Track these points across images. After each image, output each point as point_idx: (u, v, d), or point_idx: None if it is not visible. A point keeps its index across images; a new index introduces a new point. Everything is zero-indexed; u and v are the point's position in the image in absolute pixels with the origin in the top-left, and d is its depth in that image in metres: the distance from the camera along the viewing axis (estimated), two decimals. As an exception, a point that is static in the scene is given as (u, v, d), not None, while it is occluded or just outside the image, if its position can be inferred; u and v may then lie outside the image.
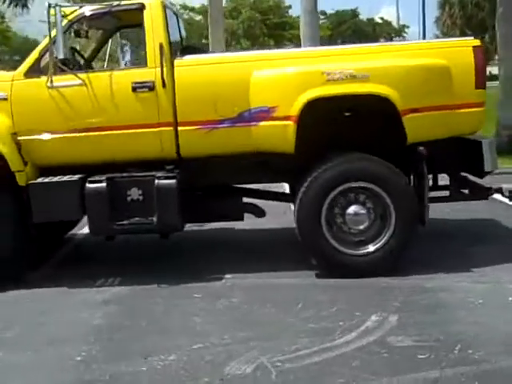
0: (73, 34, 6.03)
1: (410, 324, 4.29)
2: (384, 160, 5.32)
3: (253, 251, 6.22)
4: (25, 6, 21.90)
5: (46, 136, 5.44)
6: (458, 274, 5.28)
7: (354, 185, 5.30)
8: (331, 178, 5.27)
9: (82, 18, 5.59)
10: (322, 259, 5.37)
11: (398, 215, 5.26)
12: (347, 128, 5.45)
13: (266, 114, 5.27)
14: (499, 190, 6.01)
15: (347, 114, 5.38)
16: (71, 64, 5.69)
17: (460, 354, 3.78)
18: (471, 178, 6.06)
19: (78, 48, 6.47)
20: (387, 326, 4.29)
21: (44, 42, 5.53)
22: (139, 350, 4.06)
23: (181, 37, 6.40)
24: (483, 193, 6.00)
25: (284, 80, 5.26)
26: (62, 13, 5.42)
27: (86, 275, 5.71)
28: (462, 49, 5.40)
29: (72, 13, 5.55)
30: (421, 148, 5.26)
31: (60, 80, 5.41)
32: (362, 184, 5.30)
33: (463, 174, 6.03)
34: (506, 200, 6.58)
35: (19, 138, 5.44)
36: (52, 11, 5.19)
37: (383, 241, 5.33)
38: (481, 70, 5.36)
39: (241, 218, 6.00)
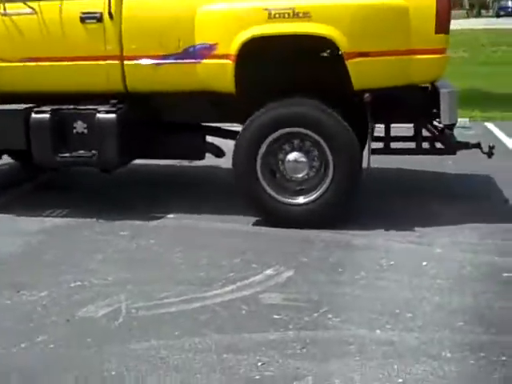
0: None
1: (297, 282, 4.13)
2: (331, 106, 5.03)
3: (206, 192, 6.14)
4: None
5: (-1, 64, 5.51)
6: (397, 232, 4.99)
7: (290, 130, 5.08)
8: (266, 123, 5.07)
9: None
10: (256, 206, 5.23)
11: (336, 164, 5.01)
12: (291, 70, 5.17)
13: (207, 51, 5.09)
14: (477, 145, 5.56)
15: (287, 54, 5.06)
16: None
17: (317, 318, 3.61)
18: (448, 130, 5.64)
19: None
20: (273, 281, 4.15)
21: (0, -31, 5.50)
22: (21, 282, 4.15)
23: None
24: (452, 147, 5.57)
25: (224, 16, 5.04)
26: None
27: (44, 204, 5.85)
28: None
29: None
30: (366, 95, 4.91)
31: (14, 8, 5.41)
32: (299, 130, 5.06)
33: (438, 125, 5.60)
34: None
35: (-25, 64, 5.53)
36: None
37: (320, 191, 5.11)
38: (442, 14, 4.89)
39: (201, 157, 5.94)
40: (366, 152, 5.18)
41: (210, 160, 6.08)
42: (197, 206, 5.67)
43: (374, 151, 5.49)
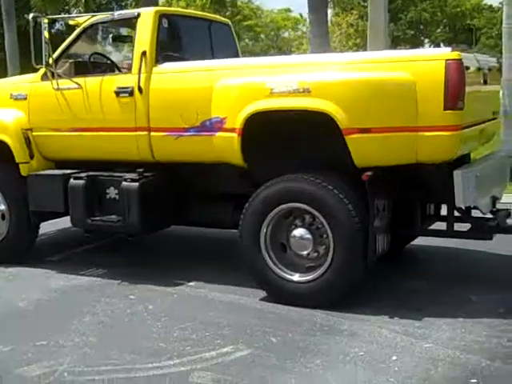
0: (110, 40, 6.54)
1: (242, 362, 4.00)
2: (340, 183, 4.90)
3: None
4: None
5: (49, 133, 6.05)
6: (399, 320, 4.63)
7: (290, 206, 4.98)
8: (267, 197, 5.03)
9: (92, 26, 6.06)
10: (258, 278, 5.16)
11: (336, 242, 4.82)
12: (295, 146, 5.10)
13: (220, 124, 5.19)
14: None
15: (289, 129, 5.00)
16: (91, 67, 6.12)
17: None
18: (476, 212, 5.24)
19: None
20: (220, 359, 4.06)
21: (59, 49, 6.08)
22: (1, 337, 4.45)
23: (212, 47, 6.47)
24: (486, 231, 5.12)
25: (232, 91, 5.13)
26: (75, 22, 5.99)
27: (88, 264, 6.26)
28: (431, 62, 4.67)
29: (84, 21, 6.05)
30: (366, 173, 4.72)
31: (64, 83, 5.94)
32: (298, 205, 4.95)
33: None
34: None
35: (34, 134, 6.12)
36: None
37: (321, 270, 4.92)
38: (453, 88, 4.57)
39: (234, 227, 5.95)
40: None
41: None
42: (225, 276, 5.69)
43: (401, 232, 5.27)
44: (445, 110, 4.57)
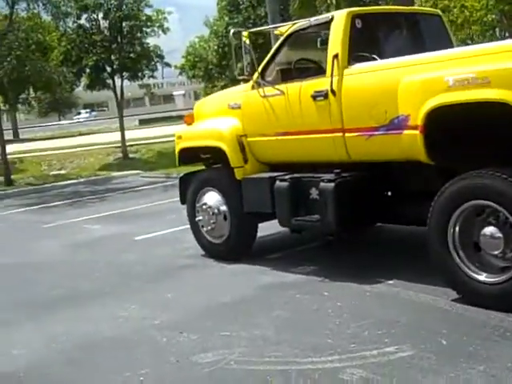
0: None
1: (399, 364, 3.92)
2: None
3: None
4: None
5: (259, 138, 6.48)
6: None
7: (477, 203, 4.71)
8: (453, 194, 4.81)
9: (294, 33, 6.34)
10: (446, 277, 4.96)
11: (524, 244, 4.46)
12: (481, 138, 4.79)
13: (405, 122, 5.12)
14: None
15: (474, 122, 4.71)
16: (295, 73, 6.36)
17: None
18: None
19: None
20: (379, 358, 4.03)
21: (265, 59, 6.48)
22: (193, 326, 4.95)
23: (417, 41, 6.33)
24: None
25: (412, 88, 5.01)
26: (278, 31, 6.36)
27: (300, 262, 6.53)
28: None
29: (287, 30, 6.37)
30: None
31: (270, 91, 6.32)
32: (486, 203, 4.65)
33: None
34: None
35: (248, 140, 6.60)
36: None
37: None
38: None
39: None
40: None
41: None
42: (429, 275, 5.40)
43: None
44: None
